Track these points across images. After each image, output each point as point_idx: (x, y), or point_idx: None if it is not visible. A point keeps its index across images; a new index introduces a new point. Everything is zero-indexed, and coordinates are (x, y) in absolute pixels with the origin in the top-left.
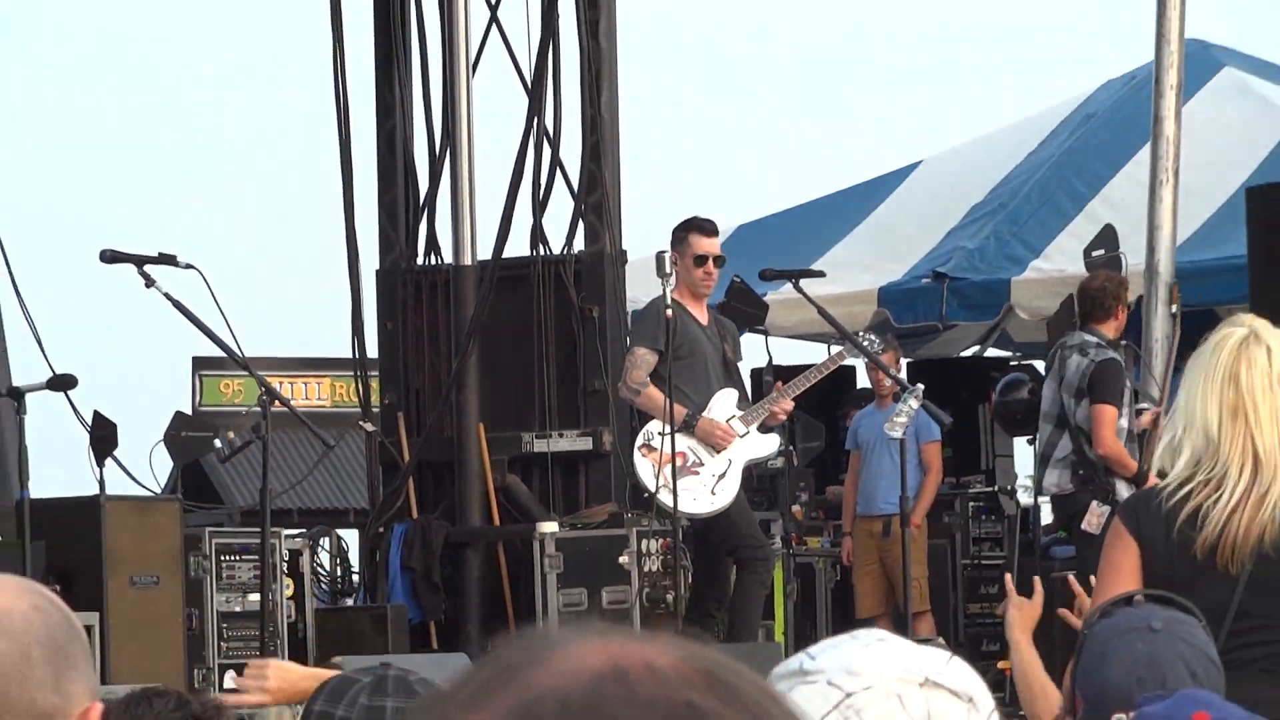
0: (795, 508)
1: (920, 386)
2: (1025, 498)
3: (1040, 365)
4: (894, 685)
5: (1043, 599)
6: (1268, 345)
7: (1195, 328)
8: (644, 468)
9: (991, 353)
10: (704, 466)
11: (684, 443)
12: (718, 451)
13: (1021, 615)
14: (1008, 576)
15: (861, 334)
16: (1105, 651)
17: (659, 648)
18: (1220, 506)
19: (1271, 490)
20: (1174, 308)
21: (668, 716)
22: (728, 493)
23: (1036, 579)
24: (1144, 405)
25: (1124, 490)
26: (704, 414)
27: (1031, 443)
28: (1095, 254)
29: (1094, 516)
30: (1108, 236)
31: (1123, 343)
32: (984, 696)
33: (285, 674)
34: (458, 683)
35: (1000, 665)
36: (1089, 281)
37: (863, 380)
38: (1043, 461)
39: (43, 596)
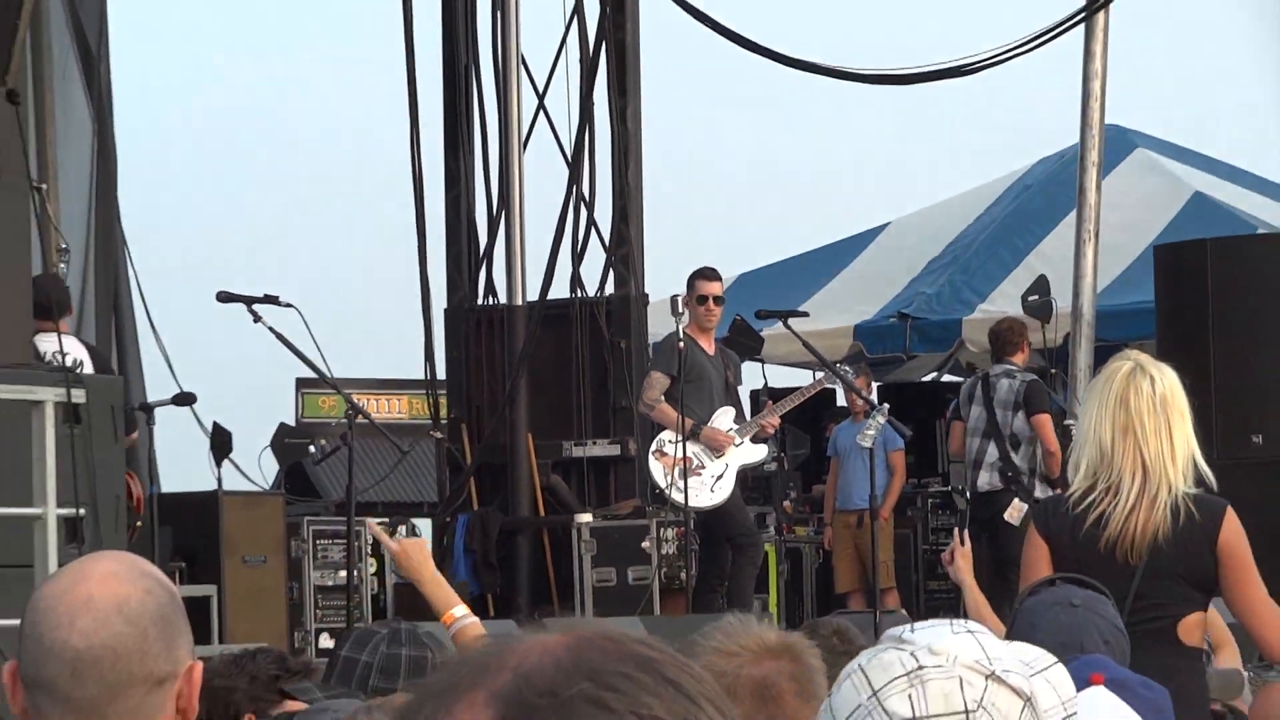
0: (785, 503)
1: (886, 405)
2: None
3: None
4: (961, 670)
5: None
6: (1151, 375)
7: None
8: (656, 469)
9: (946, 378)
10: (705, 469)
11: (690, 449)
12: (717, 457)
13: (963, 561)
14: (957, 531)
15: (839, 363)
16: (1034, 622)
17: (596, 628)
18: (1119, 510)
19: (1159, 494)
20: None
21: (637, 662)
22: (725, 490)
23: (966, 532)
24: (1070, 422)
25: (1040, 490)
26: (709, 426)
27: None
28: (1031, 299)
29: (1014, 510)
30: (1041, 285)
31: (1052, 370)
32: (1049, 706)
33: (416, 551)
34: (443, 677)
35: None
36: (998, 325)
37: (841, 400)
38: (974, 467)
39: (151, 579)
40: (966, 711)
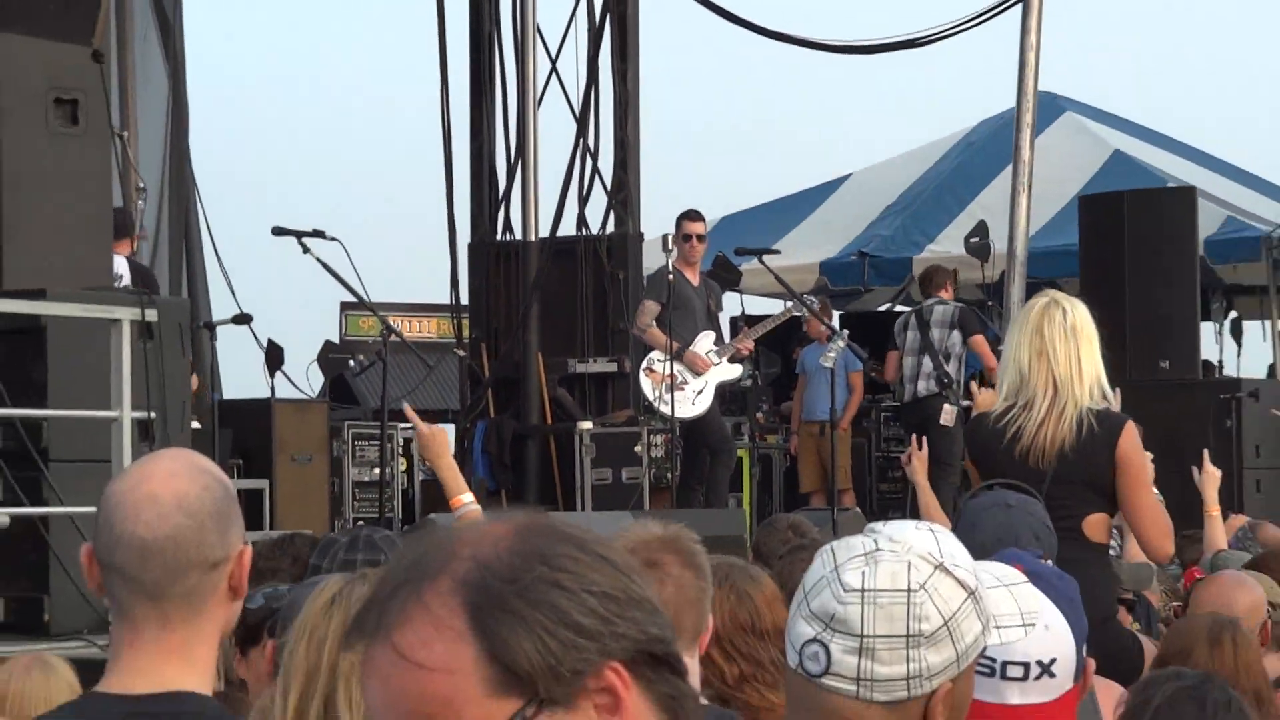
0: (758, 415)
1: (846, 331)
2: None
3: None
4: (912, 556)
5: (928, 453)
6: (1063, 307)
7: None
8: (646, 384)
9: (899, 309)
10: (688, 385)
11: (675, 367)
12: (698, 374)
13: (919, 463)
14: (914, 438)
15: (806, 295)
16: (975, 521)
17: (530, 516)
18: (1031, 423)
19: (1066, 409)
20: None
21: (575, 544)
22: (704, 403)
23: (923, 438)
24: (1001, 348)
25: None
26: (690, 348)
27: None
28: (972, 240)
29: (947, 414)
30: (981, 229)
31: (989, 303)
32: (1006, 612)
33: (438, 440)
34: (406, 564)
35: None
36: (926, 270)
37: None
38: (911, 380)
39: (208, 475)
40: (909, 590)
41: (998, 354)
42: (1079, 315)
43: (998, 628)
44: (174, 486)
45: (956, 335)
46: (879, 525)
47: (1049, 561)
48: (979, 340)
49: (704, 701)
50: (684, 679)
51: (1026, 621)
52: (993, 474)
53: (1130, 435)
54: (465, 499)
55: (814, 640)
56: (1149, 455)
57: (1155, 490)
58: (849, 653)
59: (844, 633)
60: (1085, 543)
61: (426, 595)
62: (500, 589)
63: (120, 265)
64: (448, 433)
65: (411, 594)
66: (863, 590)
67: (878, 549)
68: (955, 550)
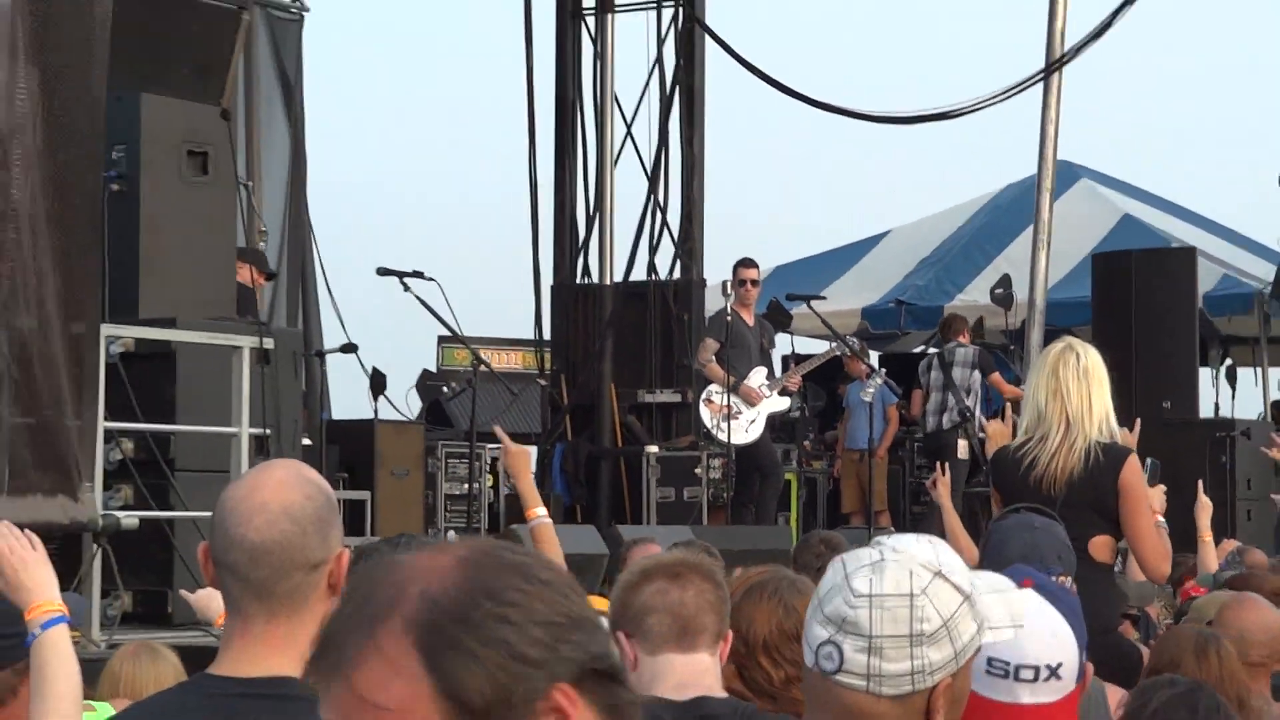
0: (805, 443)
1: (883, 370)
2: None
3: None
4: (914, 565)
5: (949, 479)
6: (1077, 352)
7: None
8: (705, 414)
9: (931, 350)
10: (742, 415)
11: (731, 399)
12: (751, 406)
13: (943, 487)
14: (939, 465)
15: (848, 337)
16: (1004, 540)
17: (472, 544)
18: (1045, 454)
19: (1077, 442)
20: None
21: (518, 572)
22: (756, 431)
23: (945, 464)
24: (1023, 388)
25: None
26: (744, 382)
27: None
28: (997, 291)
29: (962, 449)
30: (1005, 281)
31: (1011, 347)
32: (997, 616)
33: (521, 459)
34: (357, 604)
35: None
36: (945, 317)
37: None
38: (935, 413)
39: (312, 485)
40: (911, 595)
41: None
42: (1091, 359)
43: (990, 628)
44: (282, 495)
45: (977, 374)
46: (884, 538)
47: (1069, 578)
48: (997, 378)
49: (755, 705)
50: (626, 686)
51: (1015, 623)
52: (1011, 498)
53: (1132, 466)
54: (539, 512)
55: (828, 641)
56: (1162, 487)
57: (1161, 518)
58: (859, 651)
59: (854, 634)
60: (1091, 562)
61: (381, 636)
62: (451, 628)
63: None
64: (530, 454)
65: (366, 635)
66: (870, 595)
67: (883, 559)
68: (951, 560)
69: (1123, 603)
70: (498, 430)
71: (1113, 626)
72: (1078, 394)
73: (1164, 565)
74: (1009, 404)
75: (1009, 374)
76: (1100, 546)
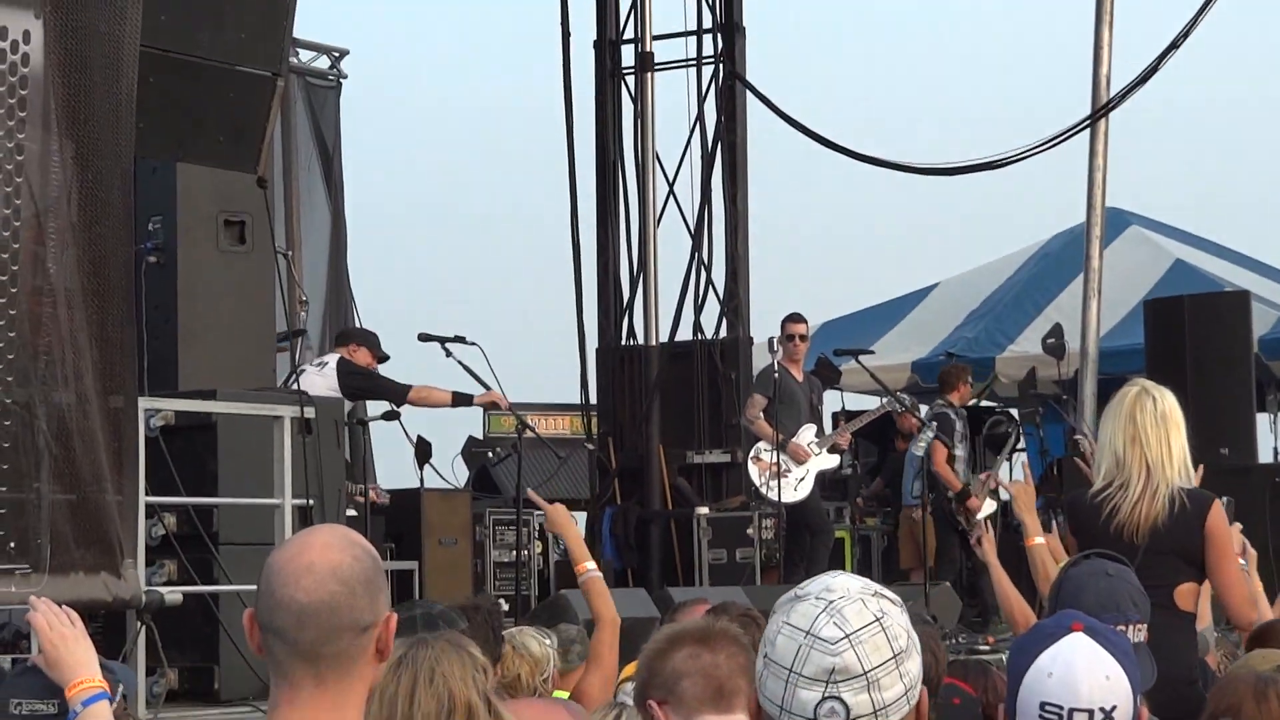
0: (858, 499)
1: (935, 423)
2: (1004, 495)
3: (1015, 412)
4: (857, 594)
5: (995, 541)
6: (1153, 396)
7: (1111, 388)
8: (754, 471)
9: (984, 404)
10: (791, 473)
11: (780, 457)
12: (800, 463)
13: (988, 545)
14: (984, 521)
15: (899, 392)
16: (1080, 586)
17: None
18: (1127, 502)
19: (1159, 489)
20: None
21: None
22: (806, 489)
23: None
24: (1079, 437)
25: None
26: (794, 439)
27: (1008, 460)
28: (1049, 341)
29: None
30: (1057, 331)
31: (1064, 397)
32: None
33: (562, 513)
34: None
35: None
36: (942, 371)
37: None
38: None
39: (359, 548)
40: (878, 619)
41: (1072, 446)
42: (1168, 403)
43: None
44: (329, 557)
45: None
46: (801, 590)
47: (1143, 627)
48: (937, 446)
49: None
50: None
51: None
52: (1092, 545)
53: (1218, 511)
54: (589, 566)
55: (825, 699)
56: (1238, 525)
57: (1243, 560)
58: (860, 692)
59: (849, 678)
60: (1176, 610)
61: None
62: None
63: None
64: (567, 511)
65: None
66: (847, 636)
67: (830, 603)
68: (865, 579)
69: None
70: (531, 494)
71: (1193, 678)
72: (1156, 440)
73: (1251, 611)
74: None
75: (1062, 425)
76: (1185, 594)
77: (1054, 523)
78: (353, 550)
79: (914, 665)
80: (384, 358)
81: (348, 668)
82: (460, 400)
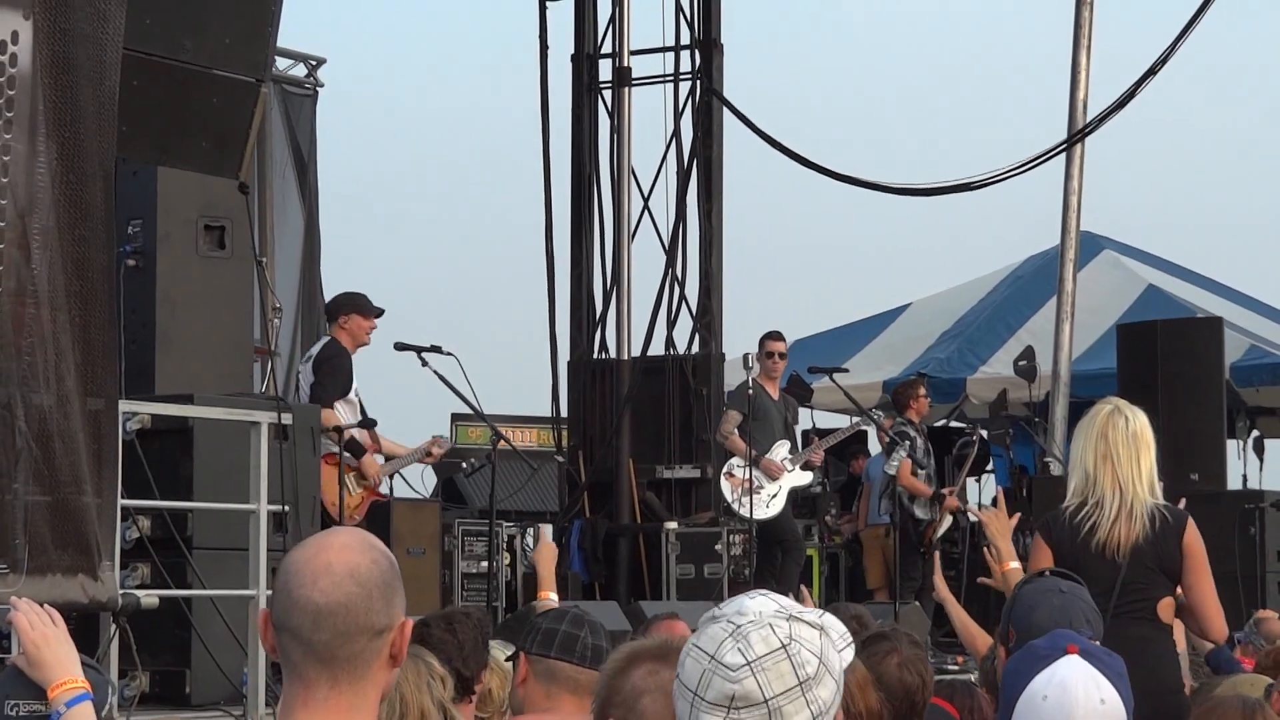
0: (827, 517)
1: (907, 443)
2: (972, 517)
3: (984, 433)
4: (768, 619)
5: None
6: (1125, 415)
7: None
8: (726, 488)
9: (953, 424)
10: (764, 489)
11: (753, 473)
12: (773, 480)
13: (940, 584)
14: (936, 554)
15: (872, 410)
16: (1033, 603)
17: None
18: (1104, 520)
19: (1134, 507)
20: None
21: None
22: (778, 506)
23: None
24: (1049, 459)
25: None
26: (766, 455)
27: (977, 480)
28: (1020, 363)
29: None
30: (1028, 353)
31: (1035, 419)
32: (837, 627)
33: (550, 554)
34: None
35: None
36: (895, 390)
37: (873, 438)
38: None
39: (377, 550)
40: (784, 646)
41: (1042, 469)
42: (1139, 422)
43: (839, 650)
44: (347, 558)
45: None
46: (717, 610)
47: (1097, 643)
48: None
49: None
50: None
51: (848, 641)
52: (1072, 564)
53: (1193, 527)
54: (552, 596)
55: None
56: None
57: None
58: (761, 719)
59: (749, 705)
60: (1159, 624)
61: None
62: None
63: None
64: (553, 546)
65: None
66: (749, 663)
67: (738, 627)
68: (786, 600)
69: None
70: (543, 533)
71: (1179, 686)
72: (1128, 458)
73: (1224, 624)
74: (999, 490)
75: (1033, 448)
76: (1166, 608)
77: (1023, 544)
78: (370, 553)
79: (825, 692)
80: (378, 312)
81: (362, 671)
82: (349, 446)
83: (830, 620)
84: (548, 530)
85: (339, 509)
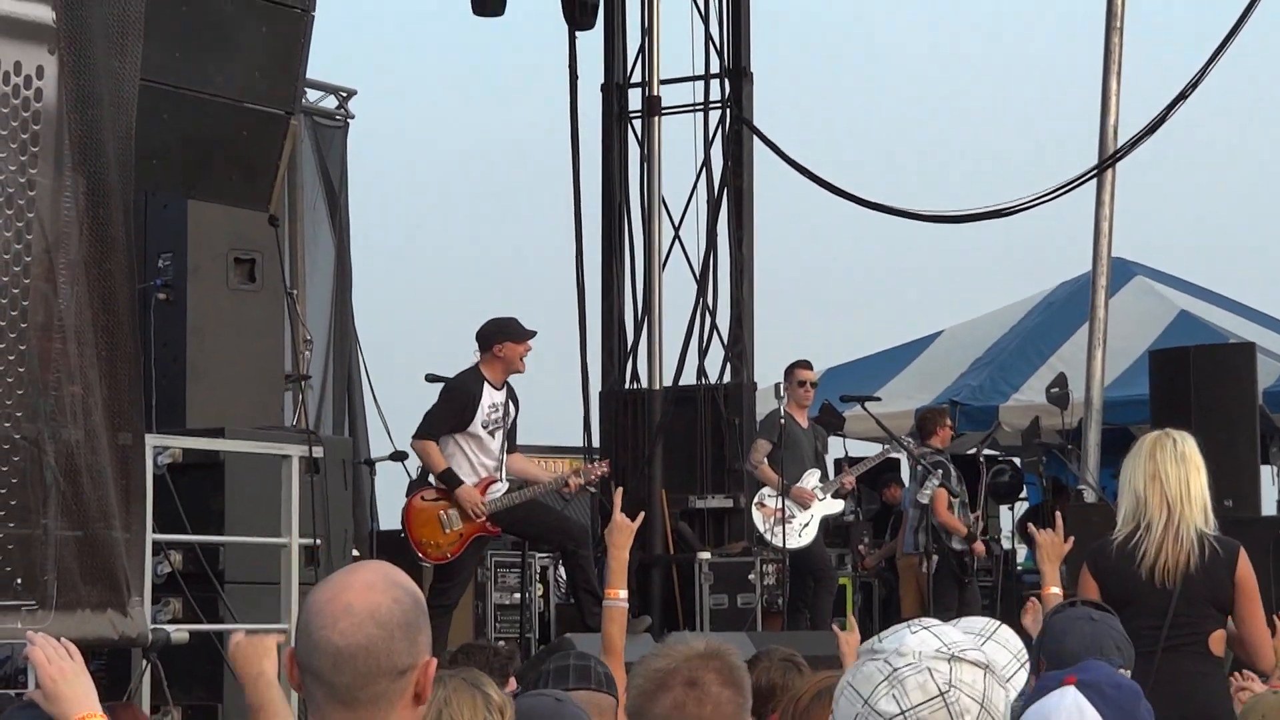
0: (860, 546)
1: (940, 470)
2: (1005, 543)
3: (1018, 460)
4: (927, 662)
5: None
6: (1174, 438)
7: (1115, 438)
8: (758, 517)
9: (986, 451)
10: (795, 518)
11: (784, 502)
12: (805, 508)
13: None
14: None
15: (904, 437)
16: (1064, 631)
17: None
18: (1151, 545)
19: (1181, 530)
20: None
21: None
22: (810, 535)
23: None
24: (1082, 487)
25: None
26: (798, 484)
27: (1011, 509)
28: (1053, 390)
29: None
30: (1061, 380)
31: (1069, 446)
32: (1001, 655)
33: (626, 532)
34: None
35: None
36: (920, 417)
37: (905, 466)
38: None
39: (400, 589)
40: (941, 694)
41: (1076, 497)
42: (1188, 445)
43: (1008, 680)
44: (368, 598)
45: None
46: (877, 643)
47: (1127, 671)
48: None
49: None
50: None
51: (1020, 663)
52: (1121, 594)
53: (1246, 559)
54: (620, 593)
55: None
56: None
57: None
58: None
59: None
60: (1210, 656)
61: None
62: None
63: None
64: (631, 532)
65: None
66: (903, 712)
67: (894, 670)
68: (953, 636)
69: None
70: (617, 494)
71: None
72: (1176, 479)
73: (1274, 656)
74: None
75: (1069, 477)
76: (1217, 641)
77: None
78: (393, 591)
79: None
80: (529, 334)
81: (385, 712)
82: (446, 477)
83: (994, 650)
84: (619, 499)
85: (433, 547)
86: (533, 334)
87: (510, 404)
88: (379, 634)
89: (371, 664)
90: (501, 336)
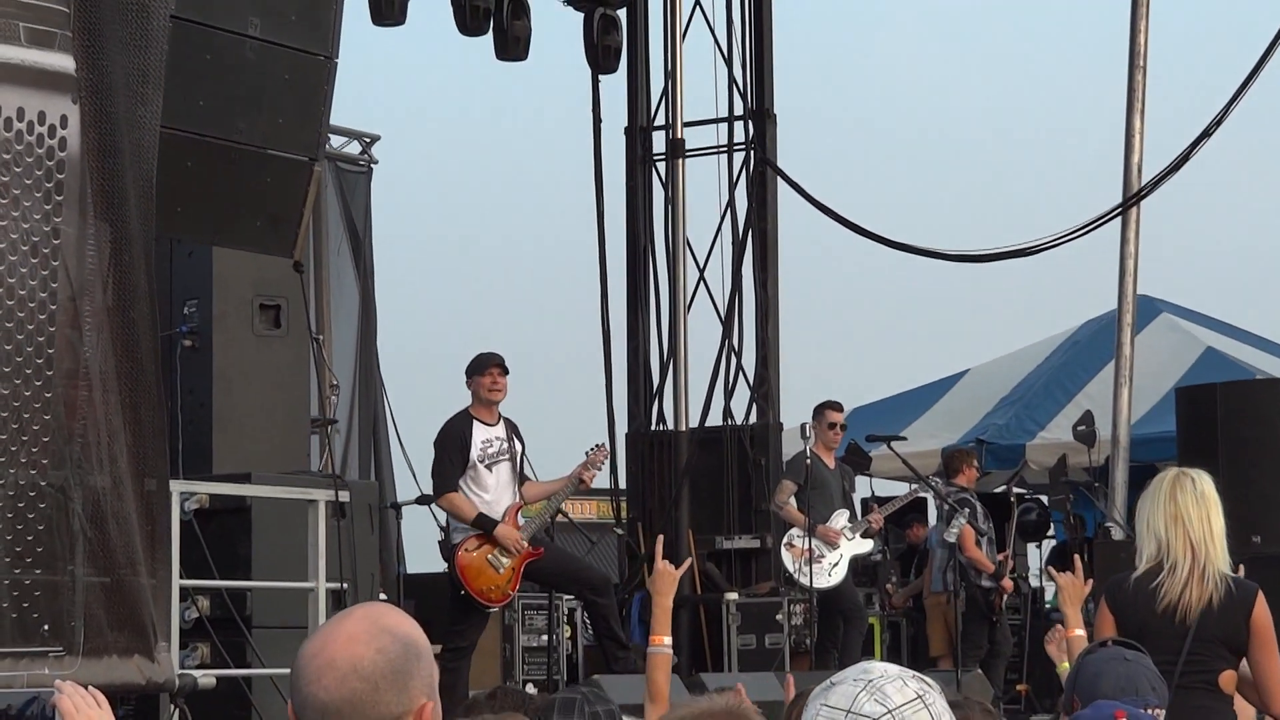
0: (888, 585)
1: (966, 509)
2: (1034, 581)
3: (1044, 499)
4: (896, 675)
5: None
6: (1192, 477)
7: (1142, 475)
8: (787, 558)
9: (1014, 490)
10: (825, 558)
11: (813, 542)
12: (833, 548)
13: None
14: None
15: (931, 477)
16: (1098, 672)
17: None
18: (1175, 584)
19: (1207, 571)
20: None
21: None
22: (839, 575)
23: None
24: (1109, 524)
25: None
26: (825, 524)
27: (1038, 547)
28: (1079, 428)
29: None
30: (1087, 418)
31: (1095, 484)
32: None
33: (671, 578)
34: None
35: (1019, 688)
36: (947, 456)
37: (932, 506)
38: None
39: (386, 636)
40: (919, 696)
41: (1104, 534)
42: (1205, 484)
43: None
44: (350, 651)
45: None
46: (836, 678)
47: (1161, 712)
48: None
49: None
50: None
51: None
52: (1137, 629)
53: (1263, 603)
54: (665, 640)
55: None
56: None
57: None
58: None
59: None
60: (1220, 694)
61: None
62: None
63: None
64: (676, 577)
65: None
66: (889, 711)
67: (869, 682)
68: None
69: None
70: (659, 546)
71: None
72: (1199, 519)
73: None
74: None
75: (1092, 512)
76: (1228, 680)
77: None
78: (378, 641)
79: None
80: (491, 362)
81: None
82: (481, 523)
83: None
84: (660, 547)
85: (495, 591)
86: (495, 361)
87: (514, 439)
88: (363, 688)
89: (359, 716)
90: (469, 373)
